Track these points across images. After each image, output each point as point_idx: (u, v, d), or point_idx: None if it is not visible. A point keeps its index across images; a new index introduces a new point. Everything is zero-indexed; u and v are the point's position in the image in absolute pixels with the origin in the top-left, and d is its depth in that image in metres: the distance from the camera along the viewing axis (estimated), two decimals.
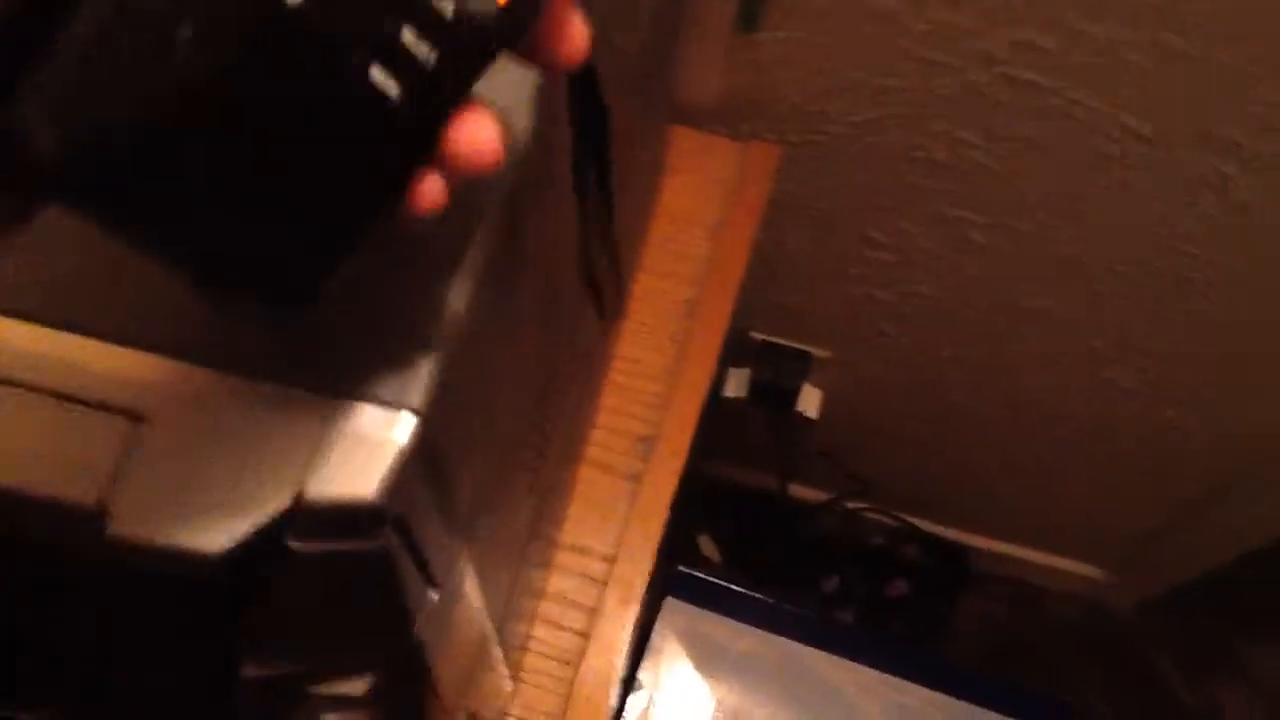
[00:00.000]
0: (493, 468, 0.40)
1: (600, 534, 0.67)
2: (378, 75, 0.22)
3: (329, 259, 0.25)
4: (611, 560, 0.66)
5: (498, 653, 0.54)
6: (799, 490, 1.42)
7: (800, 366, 1.11)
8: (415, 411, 0.29)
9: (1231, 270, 0.81)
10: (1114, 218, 0.79)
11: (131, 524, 0.28)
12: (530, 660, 0.64)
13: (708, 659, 1.05)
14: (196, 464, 0.28)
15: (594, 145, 0.39)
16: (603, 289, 0.41)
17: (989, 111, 0.74)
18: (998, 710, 1.06)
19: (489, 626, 0.50)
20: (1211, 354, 0.92)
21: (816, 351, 1.10)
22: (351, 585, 0.32)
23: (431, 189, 0.25)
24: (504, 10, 0.24)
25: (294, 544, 0.29)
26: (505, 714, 0.61)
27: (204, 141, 0.21)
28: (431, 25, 0.22)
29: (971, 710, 1.06)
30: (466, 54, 0.24)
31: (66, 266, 0.30)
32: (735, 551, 1.42)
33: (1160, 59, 0.66)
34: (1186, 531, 1.24)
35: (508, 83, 0.33)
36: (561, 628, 0.65)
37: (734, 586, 1.07)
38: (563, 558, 0.67)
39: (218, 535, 0.28)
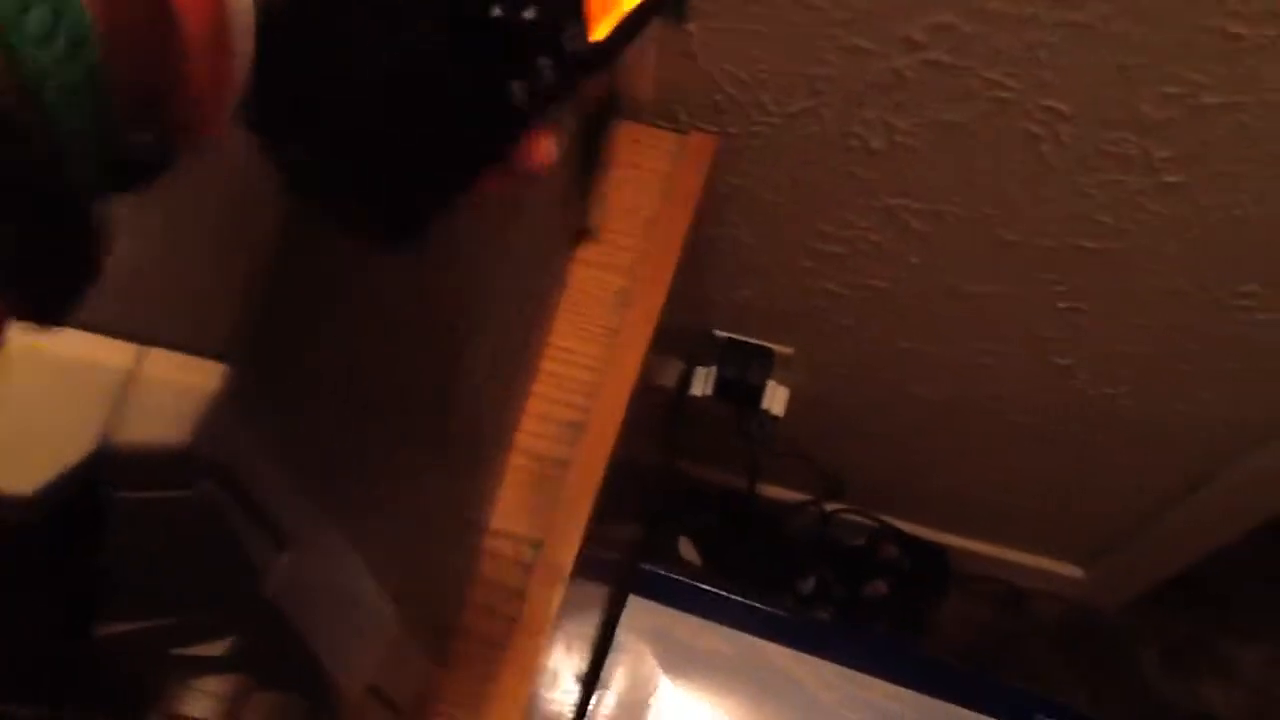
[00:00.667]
0: (355, 432, 0.40)
1: (529, 519, 0.68)
2: (517, 89, 0.28)
3: (436, 208, 0.30)
4: (539, 545, 0.67)
5: (403, 631, 0.55)
6: (777, 491, 1.42)
7: (764, 364, 1.12)
8: (223, 356, 0.30)
9: (1166, 249, 0.81)
10: (1044, 199, 0.80)
11: None
12: (459, 645, 0.64)
13: (672, 656, 1.05)
14: (6, 411, 0.29)
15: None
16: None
17: (916, 96, 0.75)
18: (966, 704, 1.05)
19: (384, 603, 0.50)
20: (1160, 340, 0.92)
21: (779, 348, 1.11)
22: (183, 537, 0.33)
23: (492, 181, 0.30)
24: (597, 48, 0.30)
25: (112, 491, 0.30)
26: (426, 698, 0.61)
27: (400, 109, 0.27)
28: (559, 57, 0.29)
29: (938, 705, 1.05)
30: (569, 80, 0.30)
31: None
32: (715, 553, 1.42)
33: (1069, 37, 0.67)
34: (1163, 528, 1.23)
35: None
36: (490, 613, 0.65)
37: (698, 584, 1.07)
38: (492, 543, 0.67)
39: (27, 479, 0.29)
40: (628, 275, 0.75)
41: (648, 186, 0.79)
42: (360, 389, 0.40)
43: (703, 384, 1.14)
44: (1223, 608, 1.46)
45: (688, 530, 1.43)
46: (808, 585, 1.39)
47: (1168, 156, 0.73)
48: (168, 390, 0.29)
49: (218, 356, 0.30)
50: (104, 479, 0.29)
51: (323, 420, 0.38)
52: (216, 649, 0.38)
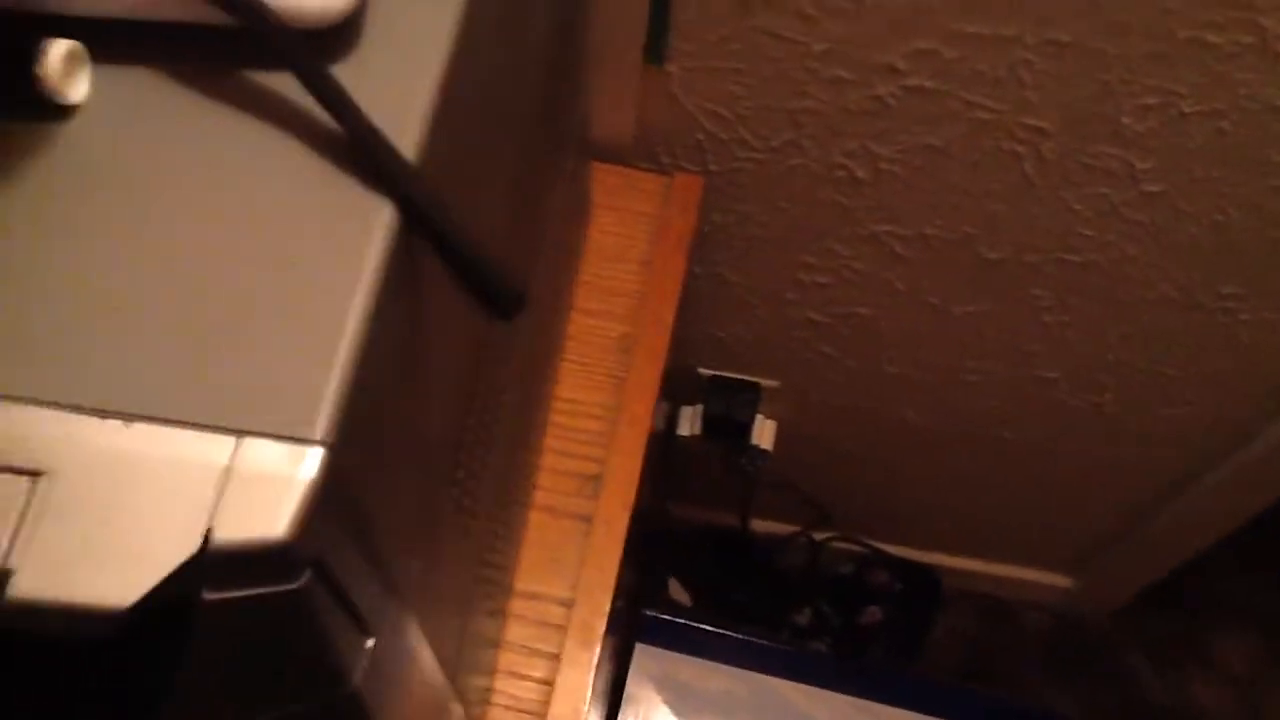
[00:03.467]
0: (415, 504, 0.39)
1: (555, 578, 0.66)
2: None
3: None
4: (569, 604, 0.65)
5: (458, 709, 0.53)
6: (764, 525, 1.42)
7: (751, 398, 1.11)
8: (322, 443, 0.28)
9: (1149, 257, 0.82)
10: (1027, 217, 0.81)
11: (33, 584, 0.27)
12: (494, 714, 0.63)
13: (683, 701, 1.03)
14: (100, 516, 0.27)
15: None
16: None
17: (898, 123, 0.75)
18: None
19: (442, 679, 0.48)
20: (1144, 347, 0.93)
21: (765, 382, 1.10)
22: (274, 634, 0.31)
23: None
24: None
25: (207, 594, 0.28)
26: None
27: None
28: None
29: None
30: None
31: None
32: (705, 593, 1.40)
33: (1051, 55, 0.68)
34: (1148, 532, 1.25)
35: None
36: (523, 677, 0.64)
37: (703, 625, 1.06)
38: (519, 605, 0.65)
39: (124, 588, 0.27)
40: (628, 321, 0.75)
41: (637, 229, 0.78)
42: (408, 450, 0.39)
43: (690, 423, 1.13)
44: (1204, 606, 1.48)
45: (676, 571, 1.42)
46: (803, 617, 1.38)
47: (1149, 167, 0.75)
48: (267, 482, 0.28)
49: (320, 444, 0.28)
50: (199, 581, 0.28)
51: (386, 494, 0.36)
52: None
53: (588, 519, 0.68)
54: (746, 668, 1.06)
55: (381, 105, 0.33)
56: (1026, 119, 0.73)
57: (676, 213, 0.79)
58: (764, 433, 1.13)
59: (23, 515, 0.27)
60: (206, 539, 0.27)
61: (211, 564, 0.27)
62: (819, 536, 1.38)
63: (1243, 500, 1.12)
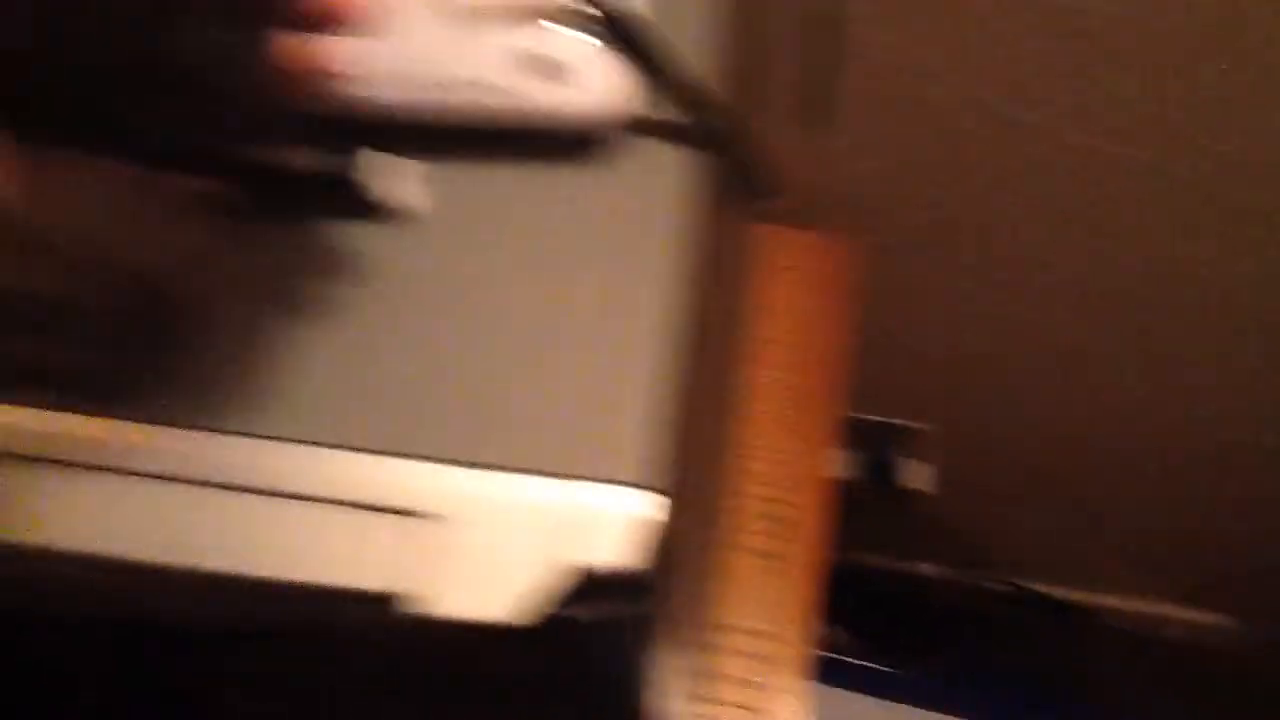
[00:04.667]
0: (696, 540, 0.44)
1: (759, 613, 0.71)
2: None
3: None
4: (772, 637, 0.70)
5: None
6: (919, 566, 1.43)
7: (903, 440, 1.14)
8: (662, 491, 0.34)
9: None
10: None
11: (447, 605, 0.33)
12: None
13: None
14: (494, 552, 0.33)
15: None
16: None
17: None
18: None
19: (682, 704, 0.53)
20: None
21: (916, 425, 1.13)
22: (614, 651, 0.37)
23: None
24: None
25: (578, 613, 0.34)
26: None
27: None
28: None
29: None
30: None
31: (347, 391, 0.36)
32: (867, 638, 1.43)
33: None
34: None
35: None
36: (744, 709, 0.68)
37: (871, 664, 1.09)
38: (724, 639, 0.70)
39: (523, 608, 0.33)
40: (800, 372, 0.80)
41: (809, 287, 0.84)
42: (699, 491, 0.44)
43: (845, 469, 1.17)
44: None
45: (837, 617, 1.44)
46: (949, 658, 1.39)
47: None
48: (626, 523, 0.33)
49: (660, 491, 0.34)
50: (575, 604, 0.33)
51: (689, 533, 0.42)
52: None
53: (784, 558, 0.72)
54: (914, 704, 1.08)
55: None
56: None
57: (840, 269, 0.84)
58: (918, 475, 1.16)
59: (436, 551, 0.34)
60: (585, 568, 0.33)
61: (583, 590, 0.33)
62: (972, 577, 1.39)
63: None
